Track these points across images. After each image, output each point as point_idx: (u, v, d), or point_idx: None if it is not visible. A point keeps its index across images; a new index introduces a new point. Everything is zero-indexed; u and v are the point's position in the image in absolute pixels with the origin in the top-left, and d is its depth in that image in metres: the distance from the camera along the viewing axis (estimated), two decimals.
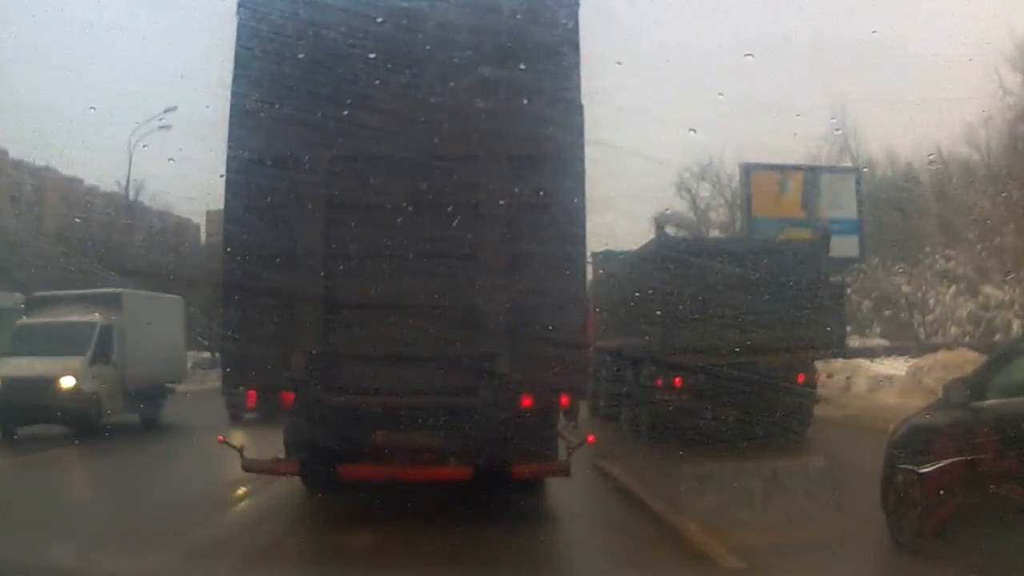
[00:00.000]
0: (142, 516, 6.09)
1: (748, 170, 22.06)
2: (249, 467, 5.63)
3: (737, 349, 9.89)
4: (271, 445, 6.11)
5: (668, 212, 32.74)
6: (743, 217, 22.74)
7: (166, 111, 23.82)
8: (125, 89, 43.94)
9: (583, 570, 5.10)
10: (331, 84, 5.43)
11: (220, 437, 5.64)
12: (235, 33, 5.58)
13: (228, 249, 5.63)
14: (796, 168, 22.89)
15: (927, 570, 4.57)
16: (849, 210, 21.72)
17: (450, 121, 5.43)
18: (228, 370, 5.63)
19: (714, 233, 34.04)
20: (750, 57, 16.60)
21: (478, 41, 5.53)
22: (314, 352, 5.27)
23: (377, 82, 5.46)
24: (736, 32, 32.64)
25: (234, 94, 5.54)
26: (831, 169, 25.19)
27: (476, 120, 5.45)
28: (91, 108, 21.90)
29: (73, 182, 34.27)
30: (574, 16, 5.62)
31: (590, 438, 6.22)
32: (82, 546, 4.96)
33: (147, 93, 40.44)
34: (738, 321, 10.11)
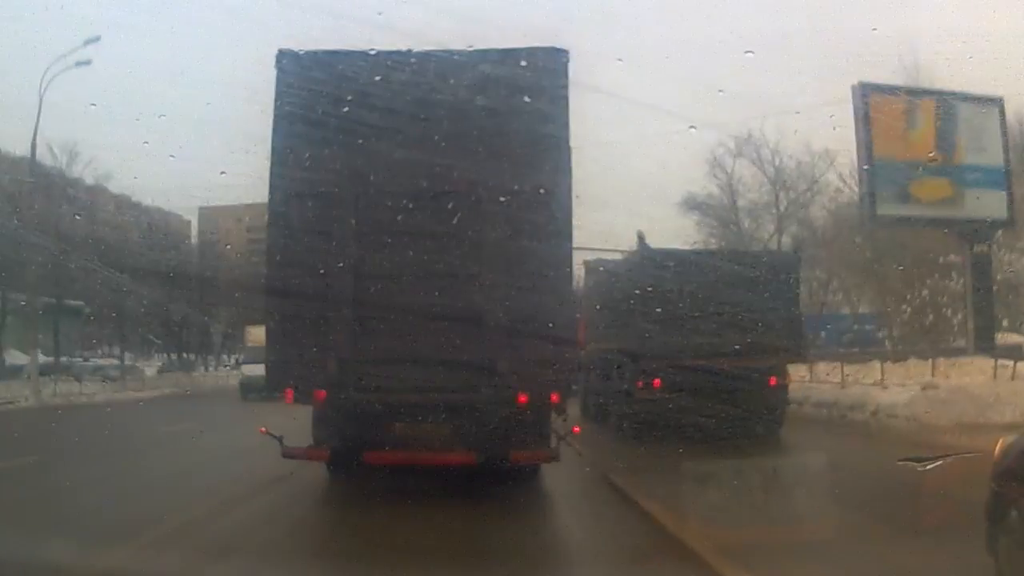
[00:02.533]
0: (147, 512, 6.52)
1: (864, 93, 16.22)
2: (288, 454, 6.89)
3: (712, 352, 11.02)
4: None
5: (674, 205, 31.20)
6: (860, 159, 17.00)
7: (86, 43, 21.49)
8: (125, 87, 45.33)
9: (582, 569, 5.54)
10: (358, 128, 6.69)
11: (262, 428, 6.93)
12: (275, 81, 6.87)
13: (271, 271, 6.94)
14: (926, 93, 17.06)
15: (927, 570, 4.78)
16: (993, 154, 16.55)
17: (459, 153, 6.66)
18: (271, 372, 6.91)
19: (749, 220, 31.75)
20: (751, 54, 17.62)
21: (482, 89, 6.81)
22: (345, 357, 6.55)
23: (397, 126, 6.72)
24: (737, 29, 33.72)
25: (274, 135, 6.81)
26: (968, 97, 18.07)
27: (482, 151, 6.71)
28: (92, 104, 22.50)
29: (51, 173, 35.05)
30: (564, 66, 6.91)
31: (576, 429, 7.60)
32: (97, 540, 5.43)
33: (147, 91, 42.33)
34: (713, 326, 11.26)
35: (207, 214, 38.05)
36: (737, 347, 11.15)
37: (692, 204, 31.60)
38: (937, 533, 4.98)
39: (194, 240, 37.45)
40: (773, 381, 11.75)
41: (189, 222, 37.16)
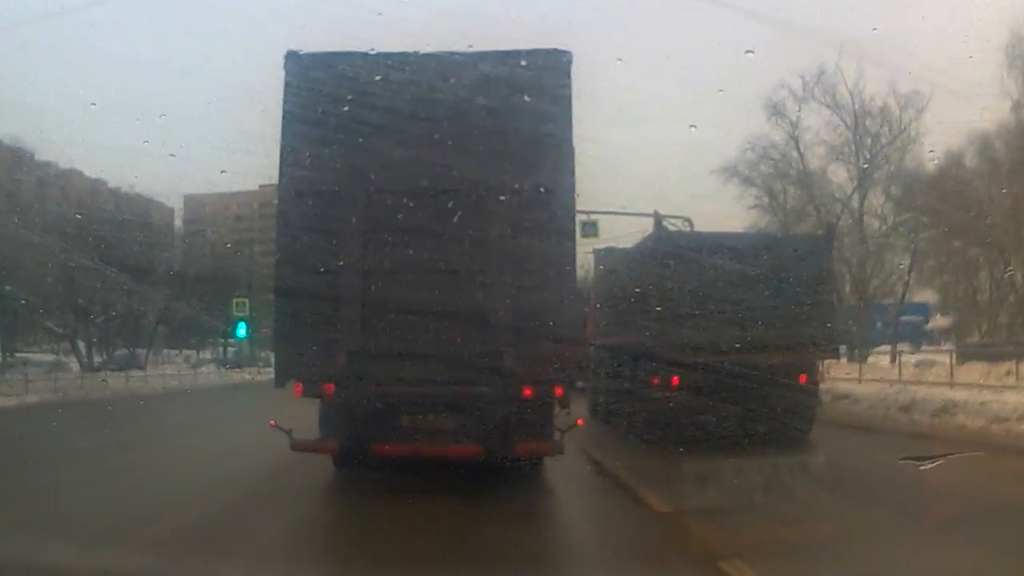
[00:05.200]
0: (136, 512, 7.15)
1: None
2: (296, 447, 8.02)
3: (735, 347, 11.29)
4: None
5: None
6: None
7: None
8: (126, 86, 48.29)
9: (583, 569, 6.04)
10: (363, 125, 7.75)
11: (272, 422, 8.07)
12: (283, 82, 7.97)
13: (280, 265, 8.07)
14: None
15: (926, 569, 5.26)
16: None
17: (462, 152, 7.70)
18: (279, 365, 8.04)
19: (817, 184, 29.36)
20: (751, 54, 18.92)
21: (485, 90, 7.83)
22: (353, 350, 7.63)
23: (403, 125, 7.76)
24: (736, 29, 35.13)
25: (283, 135, 7.90)
26: None
27: (484, 149, 7.72)
28: (92, 104, 24.12)
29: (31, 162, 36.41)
30: (567, 67, 7.95)
31: (580, 422, 8.67)
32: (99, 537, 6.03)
33: (147, 90, 45.05)
34: (736, 318, 11.56)
35: (192, 203, 40.02)
36: (763, 342, 11.48)
37: (733, 172, 29.86)
38: None
39: (178, 226, 39.14)
40: (803, 379, 12.10)
41: (172, 210, 39.01)
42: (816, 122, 28.64)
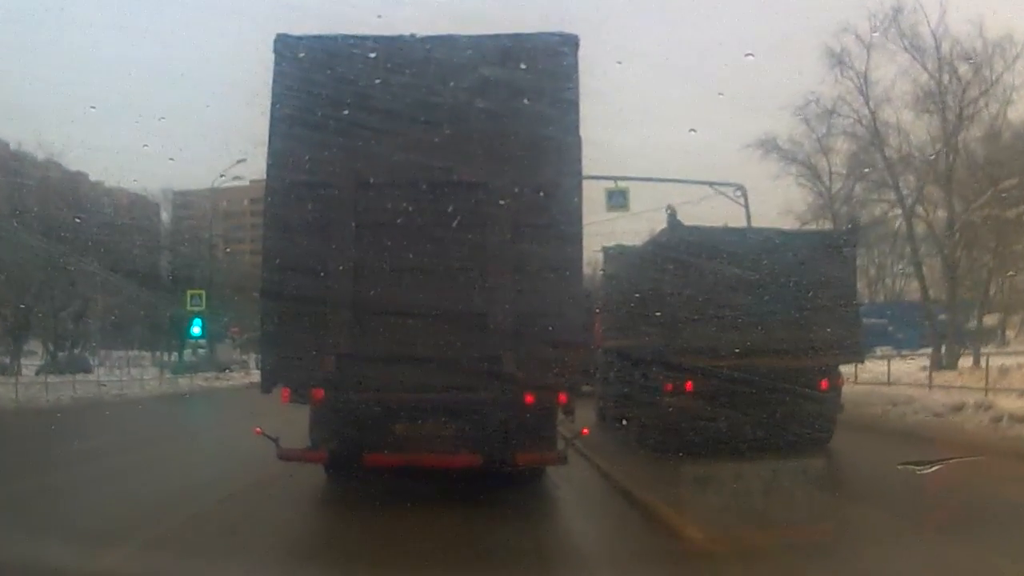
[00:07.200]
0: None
1: None
2: (283, 456, 8.04)
3: (751, 350, 11.26)
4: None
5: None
6: None
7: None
8: (125, 88, 49.45)
9: (582, 570, 6.28)
10: (357, 117, 7.75)
11: (258, 429, 8.08)
12: (271, 68, 7.99)
13: (267, 264, 8.05)
14: None
15: (926, 569, 5.58)
16: None
17: (461, 151, 7.73)
18: (266, 370, 8.06)
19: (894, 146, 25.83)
20: (751, 57, 19.05)
21: (485, 77, 7.84)
22: (343, 354, 7.64)
23: (397, 115, 7.76)
24: (736, 32, 36.19)
25: (272, 125, 7.89)
26: None
27: (483, 150, 7.75)
28: (91, 107, 24.45)
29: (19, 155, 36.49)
30: (574, 53, 7.97)
31: (585, 431, 8.70)
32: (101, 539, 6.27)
33: (147, 92, 45.88)
34: (752, 320, 11.42)
35: (180, 199, 40.38)
36: (782, 344, 11.46)
37: (772, 145, 27.67)
38: None
39: (165, 223, 39.39)
40: (824, 384, 12.05)
41: (157, 205, 39.37)
42: (886, 74, 24.99)
